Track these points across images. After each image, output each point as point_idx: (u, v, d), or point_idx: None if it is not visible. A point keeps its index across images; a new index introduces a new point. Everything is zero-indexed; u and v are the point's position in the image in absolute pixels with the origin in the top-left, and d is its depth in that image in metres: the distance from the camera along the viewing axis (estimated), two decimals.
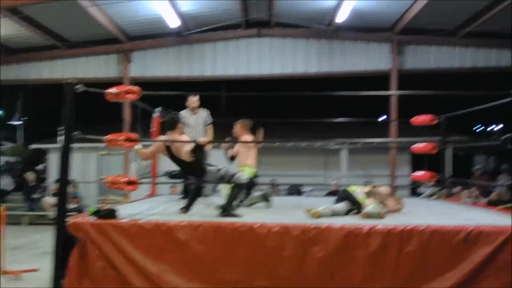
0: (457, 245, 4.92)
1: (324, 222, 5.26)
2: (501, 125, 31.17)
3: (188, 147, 6.13)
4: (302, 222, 5.21)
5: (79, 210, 12.95)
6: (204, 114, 8.45)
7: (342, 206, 6.19)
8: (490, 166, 24.66)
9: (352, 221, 5.47)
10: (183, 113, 8.31)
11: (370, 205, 6.00)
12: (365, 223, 5.18)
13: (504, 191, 11.86)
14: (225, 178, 6.27)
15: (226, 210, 6.00)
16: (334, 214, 6.00)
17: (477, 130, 33.44)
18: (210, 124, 8.49)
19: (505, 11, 12.84)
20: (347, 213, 6.17)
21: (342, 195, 6.48)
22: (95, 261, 5.26)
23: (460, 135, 17.51)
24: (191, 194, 6.56)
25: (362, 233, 5.02)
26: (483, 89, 6.90)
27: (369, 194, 6.36)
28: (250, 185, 7.25)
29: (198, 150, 6.21)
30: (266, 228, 5.12)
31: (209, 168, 6.37)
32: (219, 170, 6.31)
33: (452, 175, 11.62)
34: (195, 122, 8.30)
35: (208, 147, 8.05)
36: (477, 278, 4.87)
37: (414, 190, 13.49)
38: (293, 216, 5.97)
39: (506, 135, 5.34)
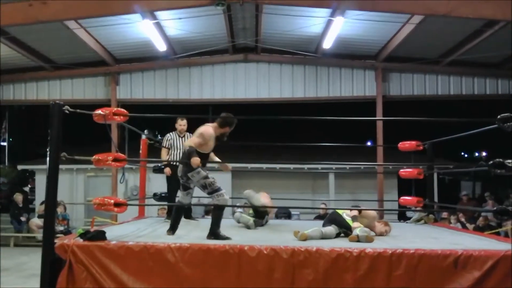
0: (446, 269, 4.93)
1: (314, 245, 5.25)
2: (485, 152, 31.56)
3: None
4: (291, 245, 5.20)
5: (66, 232, 12.84)
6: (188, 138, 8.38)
7: (331, 229, 6.20)
8: (477, 192, 24.92)
9: (341, 244, 5.47)
10: (170, 136, 8.36)
11: (357, 228, 6.02)
12: (354, 246, 5.18)
13: (491, 216, 11.97)
14: (208, 189, 6.13)
15: (214, 233, 5.96)
16: (323, 237, 6.00)
17: (464, 156, 33.79)
18: None
19: (487, 41, 13.13)
20: (336, 236, 6.18)
21: (331, 218, 6.49)
22: (83, 283, 5.17)
23: (446, 161, 17.69)
24: (173, 214, 6.48)
25: (352, 256, 5.01)
26: (468, 116, 7.02)
27: (354, 218, 6.38)
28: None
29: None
30: (256, 251, 5.10)
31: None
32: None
33: (438, 200, 11.69)
34: (181, 144, 8.28)
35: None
36: None
37: (402, 214, 13.57)
38: (283, 238, 5.95)
39: (493, 161, 5.40)
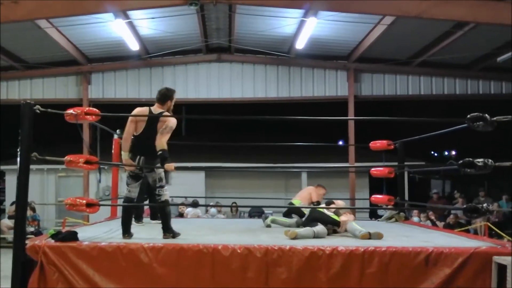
0: (417, 267, 5.02)
1: (287, 243, 5.29)
2: (454, 152, 32.05)
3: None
4: (265, 244, 5.23)
5: (37, 233, 12.66)
6: None
7: (322, 228, 6.22)
8: (446, 190, 25.30)
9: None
10: None
11: (353, 224, 6.14)
12: (327, 244, 5.23)
13: (461, 214, 12.17)
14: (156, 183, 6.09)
15: (169, 230, 5.92)
16: (316, 236, 6.03)
17: (433, 156, 34.26)
18: None
19: (457, 42, 13.35)
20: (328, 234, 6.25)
21: (313, 217, 6.50)
22: (54, 284, 5.13)
23: (416, 160, 17.93)
24: (164, 216, 6.19)
25: (324, 255, 5.07)
26: (439, 116, 7.14)
27: (337, 212, 6.48)
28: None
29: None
30: (229, 250, 5.12)
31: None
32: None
33: (409, 198, 11.86)
34: None
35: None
36: None
37: (373, 212, 13.70)
38: (257, 238, 5.98)
39: (463, 160, 5.50)
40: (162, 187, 6.16)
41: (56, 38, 13.43)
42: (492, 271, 4.92)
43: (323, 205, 7.11)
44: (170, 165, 5.88)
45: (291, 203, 8.16)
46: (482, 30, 12.49)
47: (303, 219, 6.92)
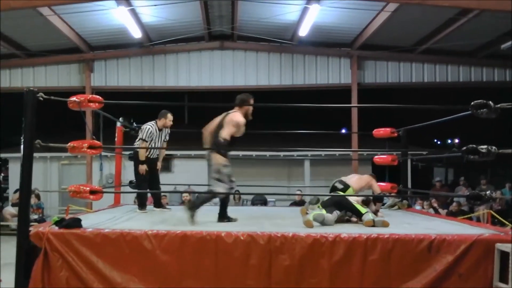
0: (420, 253, 5.03)
1: (291, 230, 5.29)
2: (457, 139, 32.00)
3: None
4: (268, 231, 5.24)
5: (40, 220, 12.71)
6: (166, 132, 8.15)
7: (333, 216, 6.20)
8: (449, 178, 25.29)
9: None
10: (151, 128, 7.80)
11: (369, 213, 6.13)
12: (330, 232, 5.24)
13: (464, 202, 12.16)
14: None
15: (223, 217, 6.34)
16: (324, 223, 6.01)
17: (436, 143, 34.23)
18: (167, 140, 8.22)
19: (460, 29, 13.28)
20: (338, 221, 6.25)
21: (336, 201, 6.46)
22: (58, 271, 5.16)
23: (419, 148, 17.92)
24: (220, 204, 6.64)
25: (327, 242, 5.07)
26: (442, 104, 7.12)
27: (364, 203, 6.48)
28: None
29: None
30: (233, 237, 5.13)
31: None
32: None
33: (412, 186, 11.85)
34: (159, 138, 8.04)
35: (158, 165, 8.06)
36: (440, 285, 4.98)
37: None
38: (260, 225, 5.99)
39: (467, 147, 5.49)
40: (219, 180, 6.39)
41: (59, 26, 13.39)
42: (494, 258, 4.93)
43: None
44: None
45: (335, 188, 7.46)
46: (486, 17, 12.42)
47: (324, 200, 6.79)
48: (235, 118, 6.58)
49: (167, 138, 8.11)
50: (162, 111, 7.99)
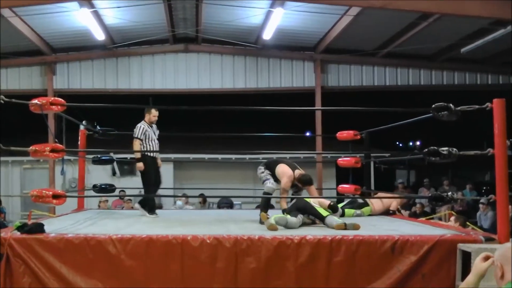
0: (384, 254, 5.11)
1: (256, 233, 5.31)
2: (419, 142, 32.54)
3: None
4: (234, 234, 5.25)
5: (2, 226, 12.42)
6: (155, 127, 8.21)
7: (297, 220, 6.23)
8: (411, 180, 25.68)
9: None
10: (144, 126, 7.91)
11: (332, 217, 6.20)
12: (296, 234, 5.28)
13: (426, 203, 12.37)
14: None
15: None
16: (288, 226, 6.03)
17: (398, 146, 34.73)
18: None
19: (421, 33, 13.52)
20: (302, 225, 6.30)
21: (299, 205, 6.50)
22: (21, 277, 5.08)
23: (382, 150, 18.15)
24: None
25: (293, 244, 5.12)
26: (404, 107, 7.24)
27: (322, 205, 6.58)
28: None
29: None
30: (199, 240, 5.13)
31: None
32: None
33: (375, 188, 12.02)
34: (154, 135, 8.08)
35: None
36: (404, 285, 5.07)
37: (340, 202, 13.83)
38: (226, 228, 6.00)
39: (428, 148, 5.60)
40: (267, 179, 6.85)
41: (20, 28, 13.12)
42: (457, 258, 5.04)
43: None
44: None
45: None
46: (446, 21, 12.66)
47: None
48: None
49: (157, 134, 8.15)
50: (146, 108, 8.13)
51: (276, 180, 6.93)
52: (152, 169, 7.91)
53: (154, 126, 8.10)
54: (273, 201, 7.34)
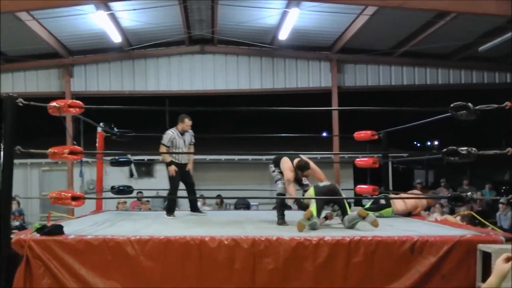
0: (403, 255, 5.07)
1: (274, 234, 5.30)
2: (437, 142, 32.31)
3: None
4: (252, 235, 5.24)
5: (21, 227, 12.57)
6: (190, 134, 8.24)
7: (323, 220, 6.27)
8: (429, 180, 25.48)
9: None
10: (172, 134, 8.03)
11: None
12: (314, 235, 5.26)
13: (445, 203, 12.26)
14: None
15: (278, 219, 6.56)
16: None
17: (416, 146, 34.51)
18: (193, 144, 8.37)
19: (438, 32, 13.42)
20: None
21: (332, 192, 6.44)
22: (40, 279, 5.11)
23: (400, 150, 18.05)
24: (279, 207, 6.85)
25: (311, 245, 5.09)
26: (421, 106, 7.18)
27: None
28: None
29: None
30: (216, 241, 5.13)
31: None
32: None
33: (393, 188, 11.94)
34: (183, 143, 8.11)
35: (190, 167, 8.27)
36: (423, 286, 5.02)
37: (358, 202, 13.77)
38: (243, 229, 6.00)
39: (447, 148, 5.55)
40: (278, 179, 6.89)
41: (37, 31, 13.27)
42: (477, 259, 4.99)
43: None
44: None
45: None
46: (463, 19, 12.56)
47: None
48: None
49: (193, 141, 8.28)
50: (180, 116, 8.20)
51: None
52: (177, 175, 8.04)
53: (190, 133, 8.19)
54: (290, 201, 7.26)
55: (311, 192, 6.45)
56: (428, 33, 13.63)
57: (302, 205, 6.68)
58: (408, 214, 7.90)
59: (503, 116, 5.54)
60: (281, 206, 6.78)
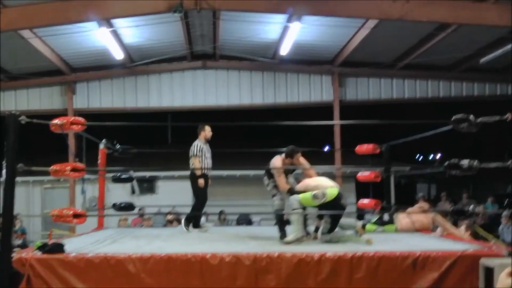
0: (405, 270, 5.04)
1: (276, 250, 5.28)
2: (439, 154, 32.23)
3: None
4: (253, 251, 5.22)
5: (23, 246, 12.53)
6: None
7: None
8: (432, 194, 25.38)
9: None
10: (200, 145, 8.20)
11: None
12: (315, 251, 5.23)
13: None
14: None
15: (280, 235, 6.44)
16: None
17: (418, 159, 34.42)
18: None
19: (439, 44, 13.46)
20: None
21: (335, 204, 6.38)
22: None
23: (402, 163, 18.02)
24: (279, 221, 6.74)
25: (313, 261, 5.07)
26: (423, 119, 7.18)
27: None
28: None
29: None
30: (218, 258, 5.11)
31: None
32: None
33: (395, 202, 11.91)
34: (208, 152, 8.25)
35: None
36: None
37: (360, 217, 13.74)
38: (245, 245, 5.98)
39: (449, 162, 5.54)
40: (274, 195, 6.85)
41: (40, 48, 13.34)
42: (479, 274, 4.95)
43: None
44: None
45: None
46: (464, 31, 12.59)
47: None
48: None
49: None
50: (199, 126, 8.35)
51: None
52: (206, 187, 8.16)
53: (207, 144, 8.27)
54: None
55: (333, 192, 6.32)
56: (429, 45, 13.67)
57: (293, 192, 6.55)
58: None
59: (505, 128, 5.53)
60: (281, 221, 6.74)
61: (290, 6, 11.58)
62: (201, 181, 8.07)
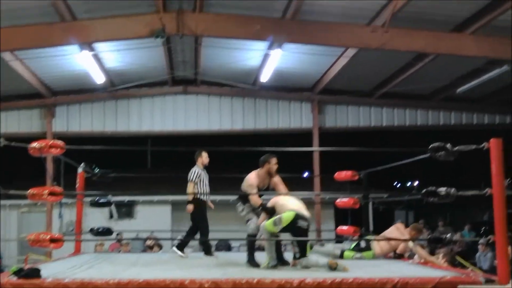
0: None
1: (256, 276, 5.27)
2: (417, 182, 32.51)
3: None
4: (232, 277, 5.20)
5: None
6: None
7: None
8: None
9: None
10: (198, 171, 8.19)
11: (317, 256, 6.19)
12: (294, 277, 5.23)
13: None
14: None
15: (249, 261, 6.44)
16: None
17: (396, 186, 34.64)
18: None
19: (417, 73, 13.70)
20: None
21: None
22: None
23: (380, 190, 18.13)
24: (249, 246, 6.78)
25: (292, 287, 5.05)
26: (401, 147, 7.27)
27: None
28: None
29: None
30: (197, 284, 5.06)
31: None
32: None
33: (374, 229, 11.96)
34: (206, 177, 8.24)
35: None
36: None
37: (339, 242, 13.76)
38: (224, 271, 5.94)
39: (426, 189, 5.60)
40: (248, 220, 6.88)
41: (20, 71, 13.27)
42: None
43: None
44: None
45: None
46: (442, 61, 12.85)
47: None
48: (247, 182, 7.03)
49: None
50: (196, 152, 8.38)
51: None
52: (205, 212, 8.16)
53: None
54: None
55: (288, 215, 6.32)
56: (407, 74, 13.90)
57: (268, 210, 6.56)
58: (395, 253, 7.89)
59: (481, 157, 5.62)
60: (252, 247, 6.73)
61: (271, 34, 11.73)
62: (189, 207, 8.06)
